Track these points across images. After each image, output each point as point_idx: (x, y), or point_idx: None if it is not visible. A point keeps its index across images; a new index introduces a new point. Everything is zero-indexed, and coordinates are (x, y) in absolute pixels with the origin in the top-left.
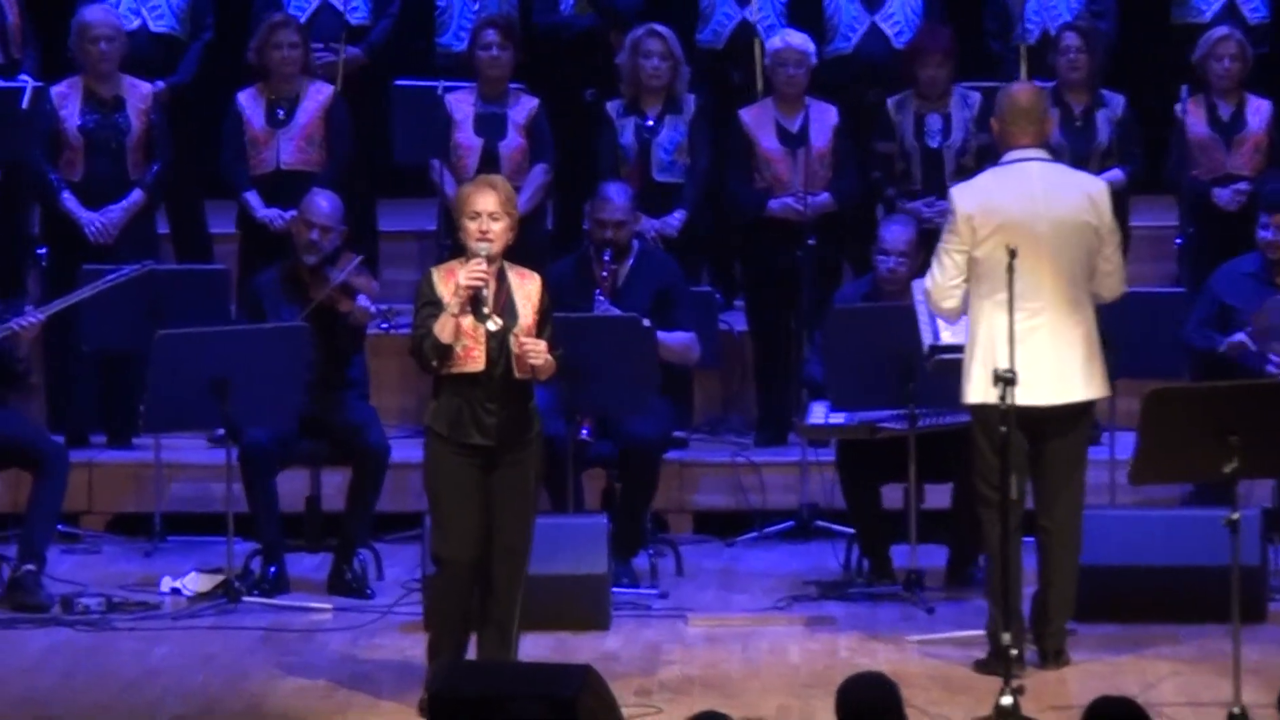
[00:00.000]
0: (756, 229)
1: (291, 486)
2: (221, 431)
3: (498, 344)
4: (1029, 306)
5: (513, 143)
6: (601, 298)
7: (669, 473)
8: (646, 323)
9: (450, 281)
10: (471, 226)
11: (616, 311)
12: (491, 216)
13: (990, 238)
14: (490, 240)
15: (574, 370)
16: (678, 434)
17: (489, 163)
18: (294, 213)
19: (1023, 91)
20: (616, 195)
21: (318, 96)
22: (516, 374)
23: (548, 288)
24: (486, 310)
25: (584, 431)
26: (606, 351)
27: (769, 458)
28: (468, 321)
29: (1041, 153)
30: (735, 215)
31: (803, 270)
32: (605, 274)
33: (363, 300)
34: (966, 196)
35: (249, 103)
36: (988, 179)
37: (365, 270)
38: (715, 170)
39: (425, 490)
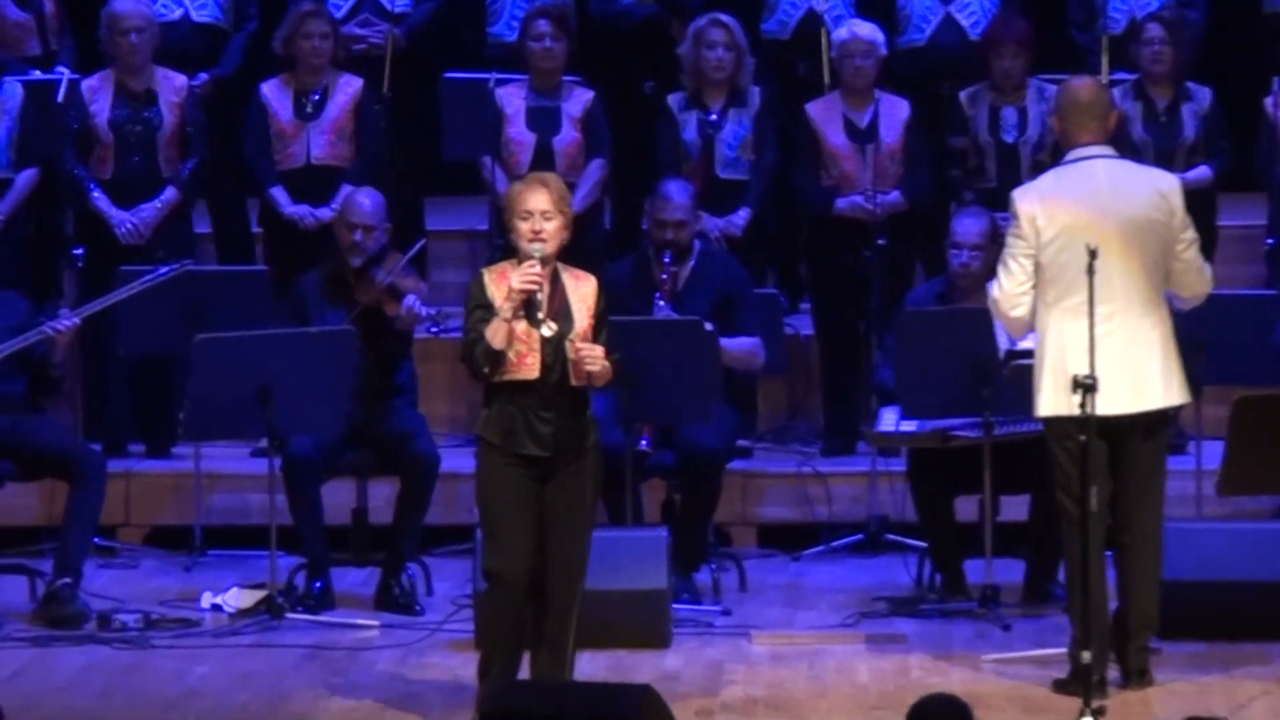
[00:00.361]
0: (824, 228)
1: (337, 498)
2: (264, 440)
3: (553, 350)
4: (1100, 310)
5: (567, 137)
6: (661, 301)
7: (732, 483)
8: (709, 327)
9: (502, 284)
10: (523, 227)
11: (677, 315)
12: (544, 216)
13: (1055, 240)
14: (543, 241)
15: (632, 377)
16: (741, 443)
17: (542, 158)
18: (325, 210)
19: (1082, 86)
20: (677, 193)
21: (347, 89)
22: (573, 381)
23: (604, 290)
24: (541, 315)
25: (643, 442)
26: (667, 357)
27: (837, 467)
28: (521, 326)
29: (1106, 149)
30: (801, 214)
31: (872, 271)
32: (665, 276)
33: (410, 302)
34: (1029, 198)
35: (275, 94)
36: (1049, 179)
37: (413, 271)
38: (781, 167)
39: (477, 502)
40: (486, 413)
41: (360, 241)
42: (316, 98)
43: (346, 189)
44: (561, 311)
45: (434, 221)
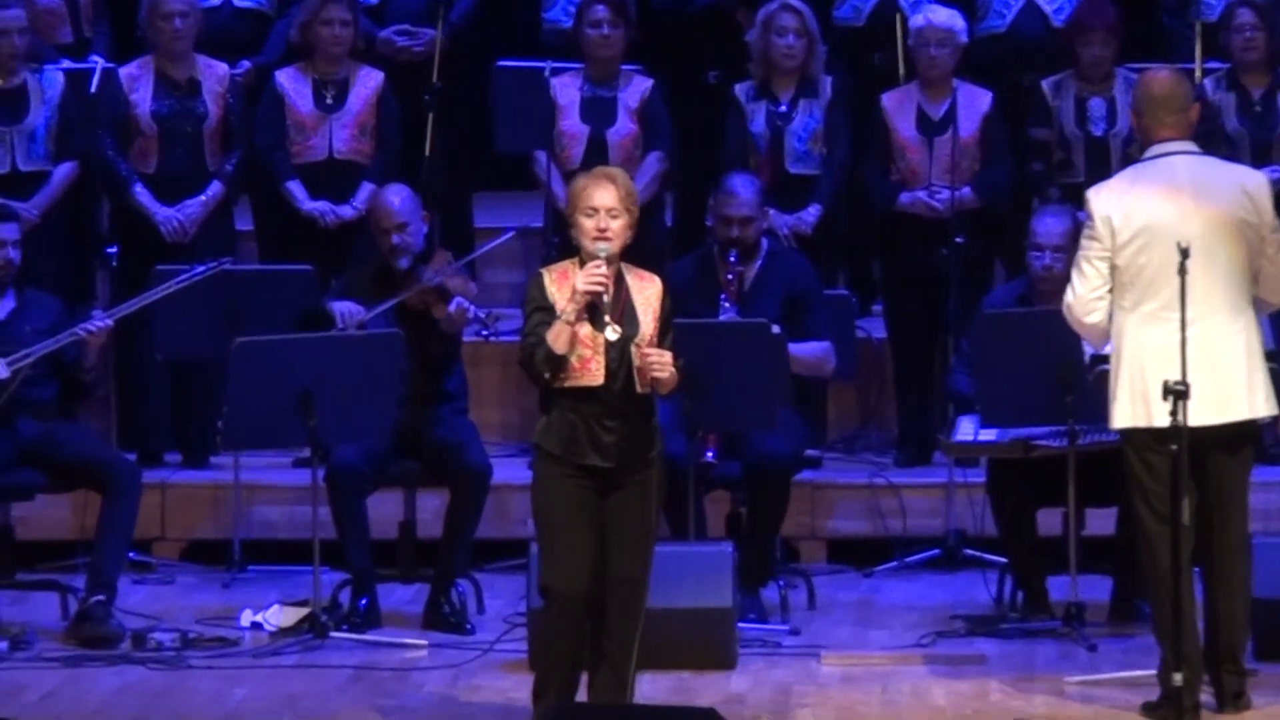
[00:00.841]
0: (897, 226)
1: (384, 510)
2: (307, 449)
3: (617, 354)
4: (1180, 317)
5: (623, 129)
6: (726, 303)
7: (800, 495)
8: (776, 330)
9: (564, 285)
10: (588, 224)
11: (743, 318)
12: (610, 213)
13: (1132, 242)
14: (609, 240)
15: (696, 383)
16: (810, 453)
17: (596, 152)
18: (346, 208)
19: (1158, 79)
20: (743, 188)
21: (369, 83)
22: (638, 388)
23: (668, 290)
24: (606, 318)
25: (709, 453)
26: (732, 362)
27: (911, 479)
28: (585, 330)
29: (1187, 145)
30: (870, 210)
31: (949, 271)
32: (731, 276)
33: (460, 304)
34: (1104, 198)
35: (291, 83)
36: (1127, 177)
37: (464, 270)
38: (853, 161)
39: (534, 515)
40: (545, 420)
41: (400, 243)
42: (336, 89)
43: (367, 188)
44: (626, 314)
45: (483, 218)
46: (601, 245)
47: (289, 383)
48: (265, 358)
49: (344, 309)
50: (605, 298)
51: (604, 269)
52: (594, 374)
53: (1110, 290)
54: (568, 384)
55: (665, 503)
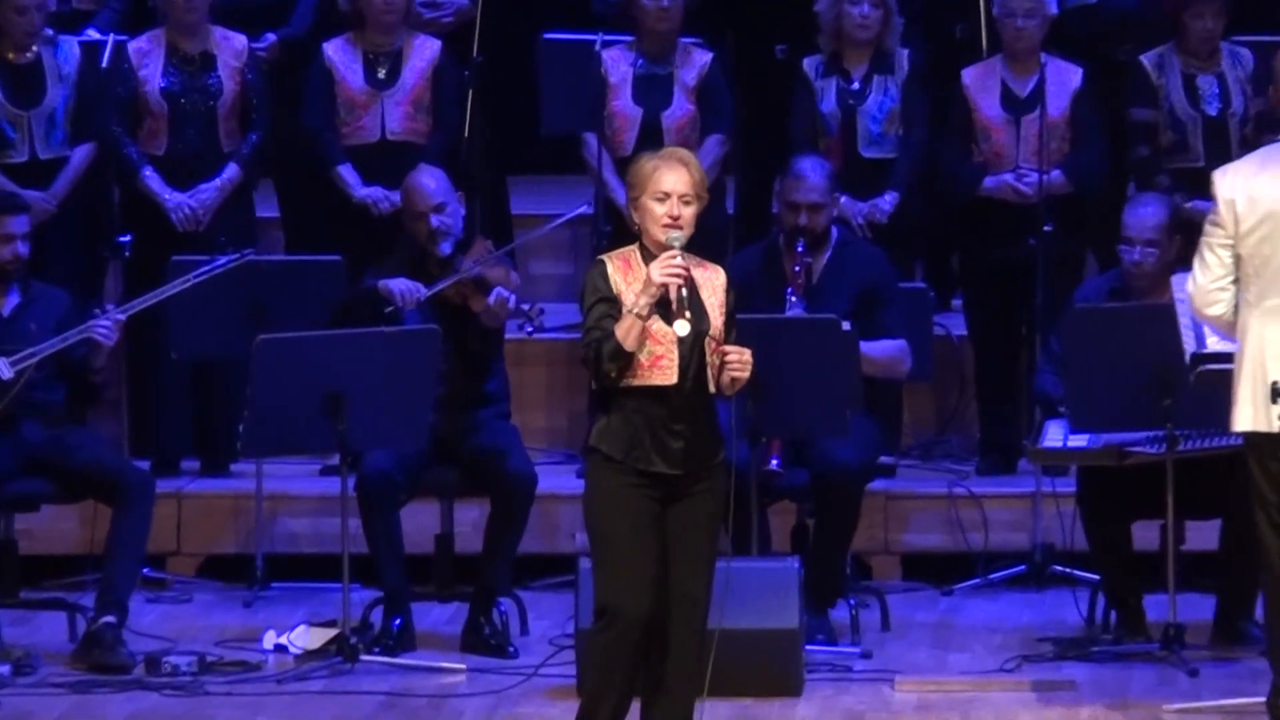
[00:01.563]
0: (978, 213)
1: (419, 522)
2: (335, 456)
3: (688, 351)
4: None
5: (679, 110)
6: (793, 297)
7: (873, 506)
8: (847, 326)
9: (628, 275)
10: (658, 210)
11: (810, 313)
12: (683, 200)
13: (1255, 230)
14: (682, 228)
15: (759, 384)
16: (883, 460)
17: (650, 136)
18: (397, 195)
19: None
20: (812, 172)
21: (425, 53)
22: (711, 388)
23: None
24: (687, 314)
25: (772, 460)
26: (799, 361)
27: (994, 488)
28: (655, 325)
29: None
30: (951, 196)
31: (1036, 262)
32: (798, 268)
33: (500, 294)
34: (1229, 180)
35: (341, 56)
36: (1255, 160)
37: (505, 260)
38: (933, 143)
39: (588, 526)
40: (605, 421)
41: (441, 225)
42: (389, 62)
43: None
44: (694, 307)
45: (525, 204)
46: (675, 234)
47: (316, 383)
48: (290, 356)
49: (401, 287)
50: (680, 290)
51: (680, 259)
52: (666, 372)
53: (1234, 280)
54: (635, 383)
55: (727, 514)
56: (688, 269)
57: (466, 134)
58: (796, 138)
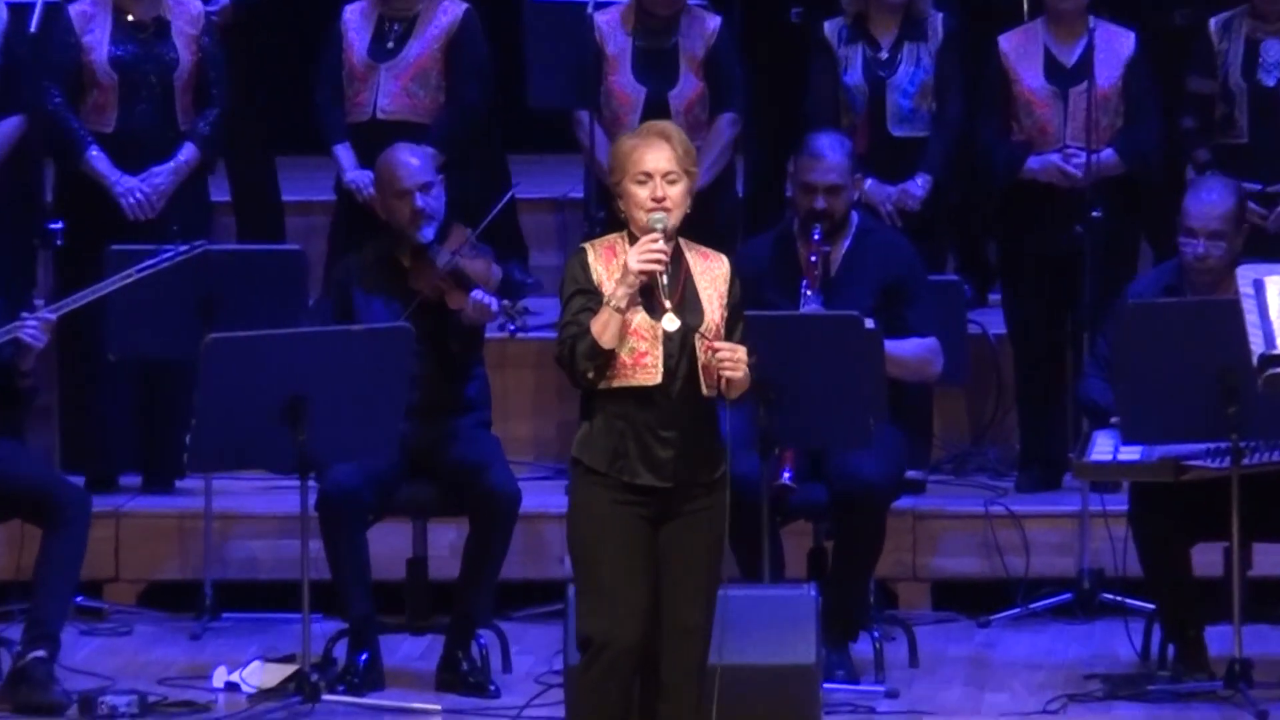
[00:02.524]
0: (1019, 198)
1: (389, 544)
2: (295, 471)
3: (677, 348)
4: None
5: (687, 87)
6: (808, 290)
7: (899, 527)
8: (870, 324)
9: (611, 264)
10: (640, 192)
11: (829, 309)
12: (667, 178)
13: None
14: (667, 210)
15: (771, 388)
16: (911, 474)
17: (655, 117)
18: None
19: None
20: (830, 150)
21: (444, 18)
22: (703, 390)
23: (738, 274)
24: (665, 303)
25: (785, 474)
26: (815, 363)
27: (1036, 507)
28: (638, 318)
29: None
30: (988, 179)
31: (1084, 253)
32: (814, 258)
33: (479, 294)
34: None
35: (356, 23)
36: None
37: (486, 250)
38: (969, 119)
39: (571, 548)
40: (586, 429)
41: (425, 207)
42: (403, 29)
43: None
44: (687, 299)
45: (522, 189)
46: (658, 216)
47: (273, 388)
48: (243, 357)
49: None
50: (663, 278)
51: (661, 243)
52: (649, 371)
53: None
54: (616, 384)
55: (732, 535)
56: (668, 254)
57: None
58: (816, 112)
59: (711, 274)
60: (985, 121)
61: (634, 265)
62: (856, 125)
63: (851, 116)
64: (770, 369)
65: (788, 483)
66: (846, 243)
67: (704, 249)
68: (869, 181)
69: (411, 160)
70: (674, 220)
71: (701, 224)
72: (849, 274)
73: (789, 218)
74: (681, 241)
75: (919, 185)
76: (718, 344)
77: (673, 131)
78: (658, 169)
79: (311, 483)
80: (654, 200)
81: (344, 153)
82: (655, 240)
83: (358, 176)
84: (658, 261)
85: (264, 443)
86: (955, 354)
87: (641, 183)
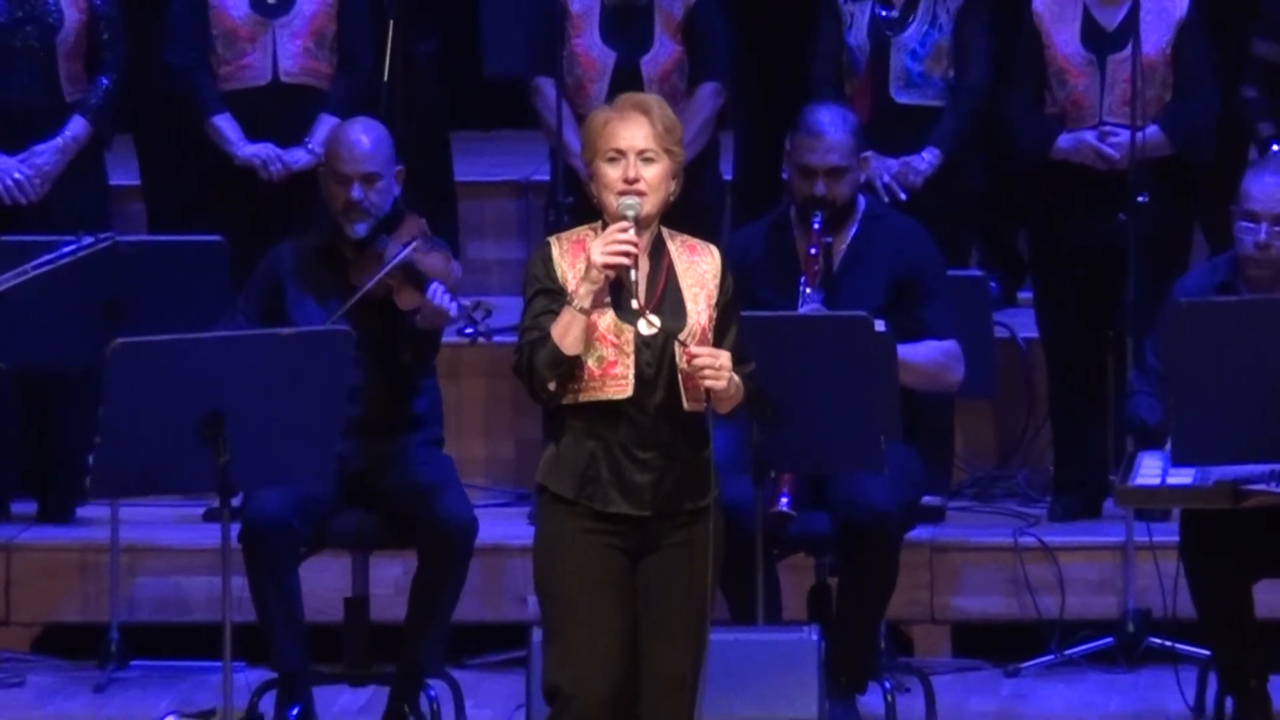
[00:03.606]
0: (1053, 181)
1: (324, 582)
2: (214, 497)
3: (655, 356)
4: None
5: (662, 52)
6: (808, 288)
7: (914, 561)
8: (880, 326)
9: (579, 261)
10: (611, 173)
11: (831, 309)
12: (643, 157)
13: None
14: (641, 194)
15: (767, 401)
16: (928, 500)
17: (625, 88)
18: (299, 153)
19: None
20: (831, 127)
21: None
22: (685, 404)
23: (729, 269)
24: (636, 304)
25: (783, 499)
26: (816, 371)
27: (1073, 538)
28: (606, 321)
29: None
30: (1016, 158)
31: (1128, 245)
32: (814, 250)
33: (436, 293)
34: None
35: None
36: None
37: (441, 245)
38: (993, 89)
39: (536, 586)
40: (553, 450)
41: (361, 199)
42: None
43: (328, 123)
44: (667, 299)
45: (465, 169)
46: (630, 202)
47: (189, 401)
48: (155, 365)
49: None
50: (635, 274)
51: (632, 234)
52: (619, 383)
53: None
54: (583, 398)
55: (723, 571)
56: (641, 247)
57: (385, 78)
58: (819, 79)
59: (698, 269)
60: (1013, 92)
61: (597, 258)
62: (858, 90)
63: (854, 80)
64: (764, 379)
65: (785, 509)
66: (851, 231)
67: (691, 240)
68: (868, 155)
69: (361, 141)
70: (650, 207)
71: (682, 211)
72: (855, 268)
73: (785, 204)
74: (665, 231)
75: (925, 160)
76: (696, 349)
77: (653, 105)
78: (632, 146)
79: (235, 510)
80: (625, 182)
81: (228, 126)
82: (625, 230)
83: (258, 151)
84: (625, 254)
85: (179, 464)
86: (979, 360)
87: (613, 161)
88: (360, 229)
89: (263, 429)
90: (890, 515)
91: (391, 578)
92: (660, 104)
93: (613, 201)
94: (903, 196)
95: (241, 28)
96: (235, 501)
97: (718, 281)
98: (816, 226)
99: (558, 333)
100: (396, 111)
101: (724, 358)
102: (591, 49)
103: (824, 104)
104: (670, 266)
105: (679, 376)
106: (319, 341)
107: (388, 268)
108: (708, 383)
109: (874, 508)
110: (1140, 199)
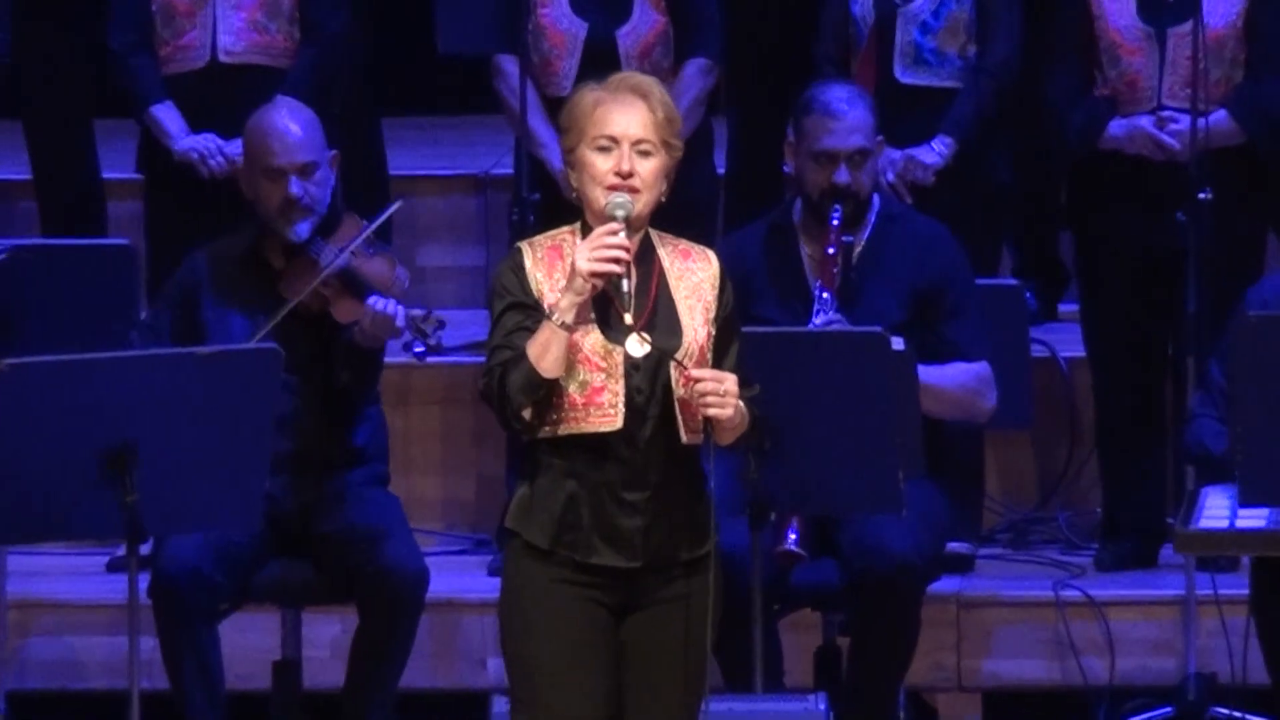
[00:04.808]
0: (1102, 175)
1: (250, 642)
2: (121, 544)
3: (647, 381)
4: None
5: (643, 23)
6: (824, 294)
7: (939, 617)
8: (898, 343)
9: (557, 270)
10: (599, 164)
11: (847, 323)
12: (638, 148)
13: None
14: (635, 190)
15: (765, 431)
16: (955, 547)
17: (599, 64)
18: (240, 146)
19: None
20: (850, 105)
21: None
22: (684, 437)
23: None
24: (628, 319)
25: (790, 535)
26: (824, 397)
27: (1124, 590)
28: (591, 341)
29: None
30: (1060, 149)
31: (1189, 249)
32: (833, 249)
33: (379, 302)
34: None
35: None
36: None
37: (385, 248)
38: (1018, 66)
39: (503, 646)
40: (526, 491)
41: (302, 195)
42: None
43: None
44: (660, 314)
45: (411, 162)
46: (620, 200)
47: (92, 431)
48: (51, 389)
49: None
50: (626, 285)
51: (623, 236)
52: (607, 414)
53: None
54: (564, 431)
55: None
56: (632, 251)
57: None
58: (818, 55)
59: (693, 278)
60: (1057, 71)
61: (583, 266)
62: (860, 65)
63: (858, 53)
64: (763, 406)
65: (793, 548)
66: (865, 233)
67: (684, 244)
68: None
69: (291, 128)
70: (643, 206)
71: (665, 211)
72: (870, 277)
73: (788, 200)
74: (654, 235)
75: (934, 151)
76: (698, 372)
77: (653, 89)
78: (627, 134)
79: (144, 559)
80: (617, 175)
81: (167, 116)
82: (616, 232)
83: (197, 144)
84: (615, 260)
85: (78, 505)
86: (1014, 384)
87: (603, 150)
88: (303, 229)
89: (177, 464)
90: (910, 564)
91: (328, 638)
92: (661, 89)
93: (599, 197)
94: (907, 199)
95: (180, 2)
96: (144, 549)
97: (716, 292)
98: (836, 221)
99: (535, 352)
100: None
101: (729, 381)
102: (560, 20)
103: (835, 81)
104: (661, 275)
105: (675, 404)
106: (243, 361)
107: (323, 276)
108: (711, 411)
109: (892, 555)
110: (1203, 195)
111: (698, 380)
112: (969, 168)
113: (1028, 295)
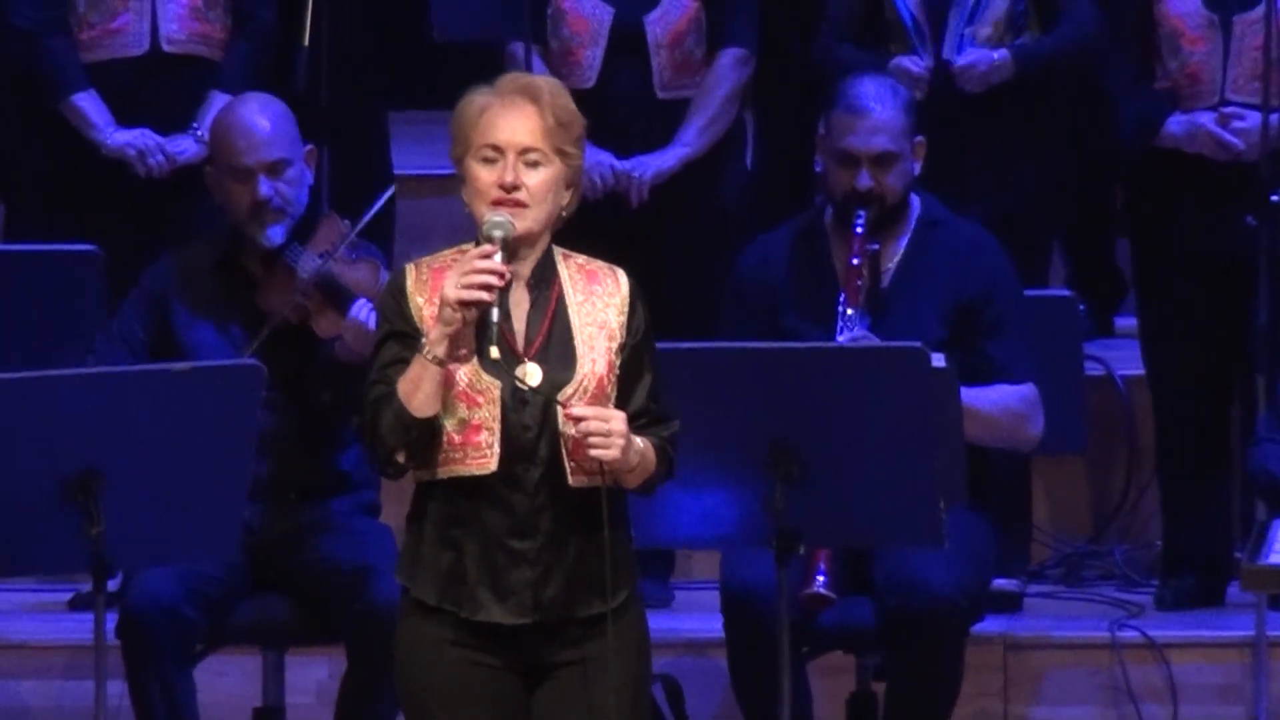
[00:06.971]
0: (1163, 175)
1: (228, 686)
2: (87, 579)
3: (535, 419)
4: None
5: (674, 10)
6: (849, 309)
7: (984, 660)
8: (939, 361)
9: (439, 293)
10: (484, 177)
11: (879, 338)
12: (525, 158)
13: None
14: (521, 205)
15: (792, 457)
16: (1001, 584)
17: (625, 53)
18: (185, 141)
19: None
20: (879, 101)
21: None
22: (569, 479)
23: (723, 293)
24: (495, 352)
25: (819, 578)
26: (859, 419)
27: (1187, 630)
28: (466, 373)
29: None
30: (1116, 147)
31: (1258, 257)
32: (857, 259)
33: (363, 311)
34: None
35: None
36: None
37: (373, 251)
38: (1081, 57)
39: (405, 713)
40: (413, 540)
41: (272, 196)
42: None
43: (220, 102)
44: (553, 344)
45: (409, 160)
46: (498, 220)
47: (55, 456)
48: (11, 410)
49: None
50: (496, 314)
51: (498, 259)
52: (484, 455)
53: None
54: (443, 473)
55: (742, 668)
56: (505, 276)
57: (307, 43)
58: (836, 21)
59: (595, 302)
60: (1114, 62)
61: (450, 294)
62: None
63: (904, 44)
64: (789, 429)
65: (822, 590)
66: (903, 241)
67: (594, 264)
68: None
69: (259, 123)
70: (531, 223)
71: (694, 212)
72: (907, 289)
73: (818, 205)
74: (560, 254)
75: (990, 56)
76: (580, 410)
77: (546, 90)
78: (512, 142)
79: (112, 595)
80: (500, 189)
81: (92, 107)
82: (486, 255)
83: (134, 140)
84: (486, 288)
85: (39, 536)
86: (1065, 405)
87: (488, 161)
88: (275, 233)
89: (148, 491)
90: (952, 602)
91: (313, 682)
92: (554, 89)
93: (484, 215)
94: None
95: None
96: (112, 584)
97: (623, 319)
98: (859, 229)
99: (405, 389)
100: (320, 87)
101: (615, 419)
102: (582, 5)
103: (867, 75)
104: (560, 300)
105: (564, 443)
106: (220, 380)
107: (301, 287)
108: (595, 452)
109: (931, 592)
110: (1275, 197)
111: (581, 419)
112: (1003, 164)
113: (1080, 307)
